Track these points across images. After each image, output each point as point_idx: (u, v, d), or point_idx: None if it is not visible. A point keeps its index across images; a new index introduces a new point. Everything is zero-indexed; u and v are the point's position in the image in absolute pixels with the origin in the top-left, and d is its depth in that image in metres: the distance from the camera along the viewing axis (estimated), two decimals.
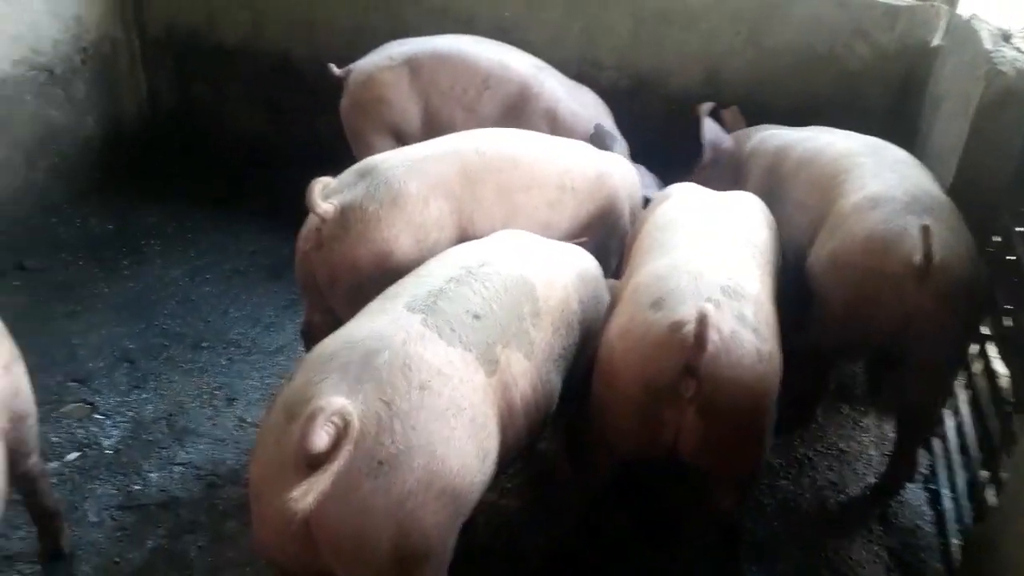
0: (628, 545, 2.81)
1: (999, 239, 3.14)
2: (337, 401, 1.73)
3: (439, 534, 1.90)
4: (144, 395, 3.38)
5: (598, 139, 3.80)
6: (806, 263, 2.96)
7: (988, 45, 3.17)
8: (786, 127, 3.70)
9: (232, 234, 4.54)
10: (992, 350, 3.07)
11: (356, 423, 1.73)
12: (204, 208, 4.75)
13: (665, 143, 4.07)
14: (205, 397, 3.39)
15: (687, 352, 2.10)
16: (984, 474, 2.82)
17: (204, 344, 3.70)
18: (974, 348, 3.12)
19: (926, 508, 3.07)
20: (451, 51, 3.94)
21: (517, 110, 3.91)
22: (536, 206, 3.07)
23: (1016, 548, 2.20)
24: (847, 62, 4.07)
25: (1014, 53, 3.11)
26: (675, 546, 2.84)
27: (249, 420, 3.27)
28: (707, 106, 3.85)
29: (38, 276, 4.12)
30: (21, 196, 4.48)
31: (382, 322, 2.07)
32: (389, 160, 2.86)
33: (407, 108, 3.93)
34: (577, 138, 3.61)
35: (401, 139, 4.01)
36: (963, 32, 3.50)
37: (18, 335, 2.32)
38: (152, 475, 3.01)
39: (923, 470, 3.21)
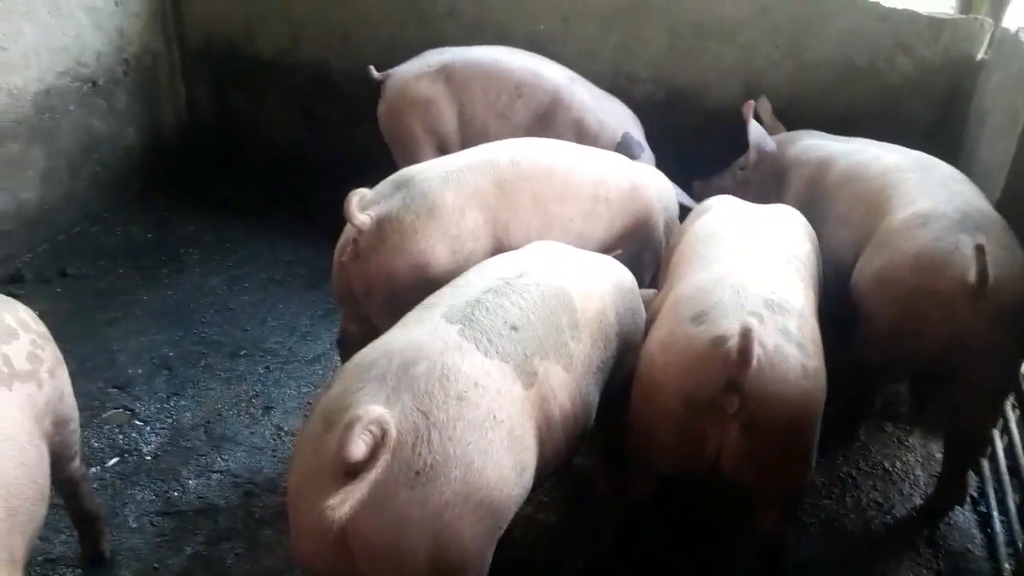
0: (668, 563, 2.78)
1: None
2: (375, 410, 1.73)
3: (476, 547, 1.89)
4: (183, 402, 3.42)
5: (625, 148, 3.81)
6: (851, 279, 2.91)
7: None
8: (828, 135, 3.66)
9: (269, 243, 4.59)
10: None
11: (393, 432, 1.73)
12: (241, 217, 4.80)
13: (701, 157, 4.05)
14: (243, 405, 3.42)
15: (730, 367, 2.07)
16: None
17: (242, 352, 3.73)
18: None
19: (976, 531, 2.99)
20: (486, 60, 4.01)
21: (547, 118, 3.95)
22: (571, 217, 3.07)
23: None
24: (889, 76, 4.01)
25: None
26: (717, 566, 2.80)
27: (286, 429, 3.29)
28: (751, 105, 3.79)
29: (80, 283, 4.19)
30: (64, 204, 4.57)
31: (420, 332, 2.07)
32: (425, 171, 2.87)
33: (443, 112, 3.99)
34: (602, 147, 3.61)
35: (441, 143, 4.07)
36: (1009, 46, 3.44)
37: (60, 341, 2.35)
38: (190, 482, 3.03)
39: (972, 491, 3.12)
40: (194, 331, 3.86)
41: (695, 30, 4.23)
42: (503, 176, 2.94)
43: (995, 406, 2.85)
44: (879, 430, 3.42)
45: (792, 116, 4.11)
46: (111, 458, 3.12)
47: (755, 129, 3.75)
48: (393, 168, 3.12)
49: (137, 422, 3.30)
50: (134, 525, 2.85)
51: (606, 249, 3.08)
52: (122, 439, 3.22)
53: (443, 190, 2.79)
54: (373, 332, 2.78)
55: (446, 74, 3.97)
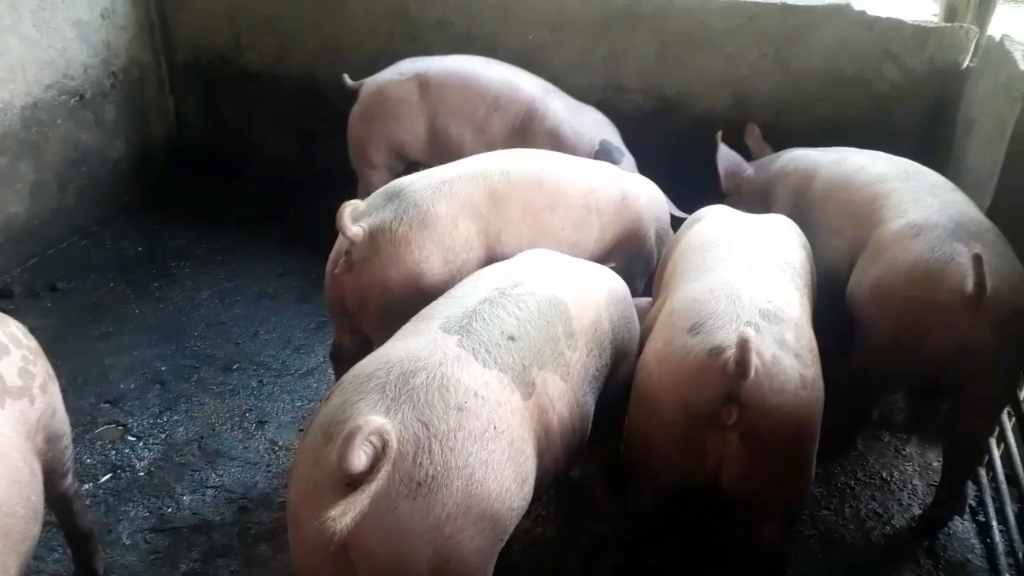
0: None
1: None
2: (376, 420, 1.72)
3: (478, 559, 1.88)
4: (176, 417, 3.39)
5: (605, 154, 3.81)
6: (847, 290, 2.91)
7: (1022, 66, 3.14)
8: (813, 150, 3.67)
9: (260, 256, 4.56)
10: None
11: (394, 443, 1.73)
12: (232, 230, 4.78)
13: (691, 165, 4.06)
14: (236, 419, 3.40)
15: (728, 378, 2.06)
16: None
17: (235, 366, 3.71)
18: None
19: (975, 541, 2.98)
20: (462, 71, 4.03)
21: (523, 131, 3.96)
22: (562, 226, 3.08)
23: None
24: (876, 84, 4.04)
25: None
26: None
27: (280, 443, 3.27)
28: (720, 135, 3.83)
29: (70, 297, 4.16)
30: (53, 218, 4.54)
31: (418, 343, 2.07)
32: (416, 182, 2.88)
33: (414, 123, 4.02)
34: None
35: (401, 154, 4.11)
36: (995, 53, 3.47)
37: (51, 356, 2.33)
38: (184, 498, 3.01)
39: (971, 501, 3.11)
40: (186, 345, 3.84)
41: (683, 39, 4.25)
42: (495, 186, 2.94)
43: (994, 415, 2.85)
44: (876, 440, 3.41)
45: (780, 125, 4.14)
46: (104, 474, 3.09)
47: (722, 158, 3.78)
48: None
49: (130, 437, 3.28)
50: (128, 542, 2.82)
51: (598, 258, 3.09)
52: (115, 455, 3.19)
53: (436, 200, 2.80)
54: (366, 345, 2.79)
55: (420, 83, 3.99)
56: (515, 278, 2.41)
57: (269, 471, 3.14)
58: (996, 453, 3.18)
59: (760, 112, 4.21)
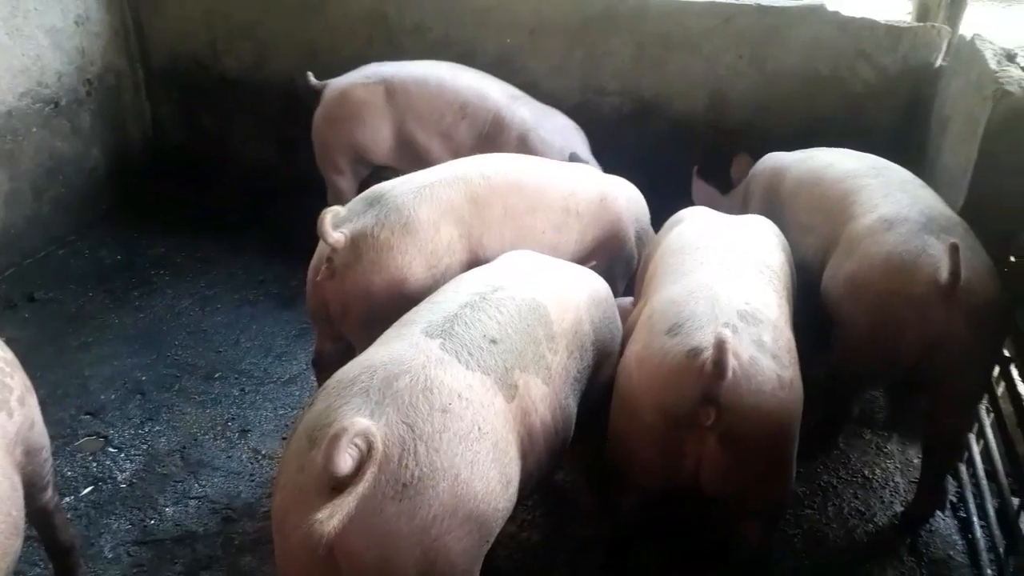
0: None
1: (1014, 259, 3.08)
2: (360, 422, 1.72)
3: (464, 561, 1.89)
4: (157, 427, 3.37)
5: None
6: (820, 286, 2.94)
7: (993, 65, 3.18)
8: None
9: (241, 263, 4.54)
10: (1014, 372, 2.99)
11: (380, 445, 1.73)
12: (212, 238, 4.75)
13: (668, 166, 4.08)
14: (218, 429, 3.38)
15: (705, 379, 2.07)
16: (1016, 501, 2.80)
17: (216, 375, 3.69)
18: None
19: (957, 537, 3.00)
20: (430, 77, 4.03)
21: (490, 138, 3.97)
22: (543, 229, 3.10)
23: None
24: (851, 84, 4.09)
25: (1020, 73, 3.12)
26: None
27: (263, 452, 3.26)
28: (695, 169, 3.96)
29: (48, 308, 4.13)
30: (29, 228, 4.50)
31: (401, 347, 2.07)
32: (397, 187, 2.87)
33: (378, 128, 4.02)
34: None
35: (364, 159, 4.10)
36: (967, 52, 3.52)
37: (29, 367, 2.31)
38: (167, 509, 2.99)
39: (952, 497, 3.14)
40: (167, 354, 3.81)
41: (661, 41, 4.27)
42: (475, 190, 2.95)
43: (970, 409, 2.88)
44: (858, 438, 3.43)
45: (757, 125, 4.17)
46: (85, 487, 3.07)
47: (697, 193, 3.91)
48: (363, 187, 3.11)
49: (111, 449, 3.25)
50: (110, 555, 2.79)
51: (579, 260, 3.10)
52: (96, 467, 3.16)
53: (417, 205, 2.80)
54: (348, 351, 2.78)
55: (387, 88, 3.99)
56: (495, 282, 2.42)
57: (253, 480, 3.13)
58: (976, 449, 3.22)
59: (737, 112, 4.25)
